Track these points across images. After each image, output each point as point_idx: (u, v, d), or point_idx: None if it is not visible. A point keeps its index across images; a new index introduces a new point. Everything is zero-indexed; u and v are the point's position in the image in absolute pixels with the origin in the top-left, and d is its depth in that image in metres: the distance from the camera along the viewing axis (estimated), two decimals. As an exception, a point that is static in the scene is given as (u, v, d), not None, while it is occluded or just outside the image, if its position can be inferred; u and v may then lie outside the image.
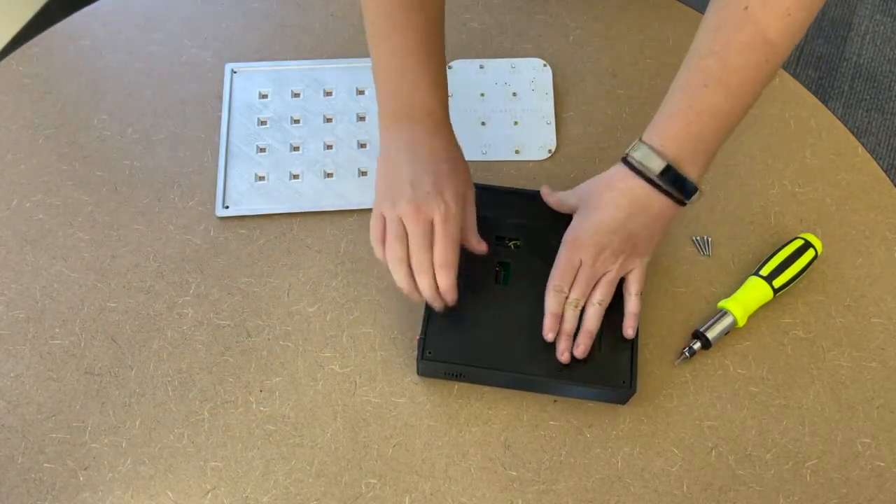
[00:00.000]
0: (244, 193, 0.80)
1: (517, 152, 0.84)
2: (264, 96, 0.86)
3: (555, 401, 0.70)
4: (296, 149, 0.83)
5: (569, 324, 0.67)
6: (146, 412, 0.69)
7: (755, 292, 0.73)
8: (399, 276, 0.64)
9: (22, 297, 0.74)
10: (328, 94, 0.87)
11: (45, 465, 0.67)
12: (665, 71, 0.90)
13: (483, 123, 0.85)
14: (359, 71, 0.88)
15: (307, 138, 0.83)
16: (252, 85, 0.86)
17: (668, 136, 0.63)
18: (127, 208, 0.80)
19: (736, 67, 0.60)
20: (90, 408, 0.69)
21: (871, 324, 0.75)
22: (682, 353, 0.72)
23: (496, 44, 0.91)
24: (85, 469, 0.67)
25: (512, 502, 0.66)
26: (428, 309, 0.70)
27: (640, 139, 0.65)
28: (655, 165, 0.63)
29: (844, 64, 1.92)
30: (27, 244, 0.77)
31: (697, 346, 0.72)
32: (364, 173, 0.81)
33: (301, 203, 0.79)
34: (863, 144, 0.85)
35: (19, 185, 0.81)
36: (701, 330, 0.72)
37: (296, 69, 0.88)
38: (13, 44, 1.83)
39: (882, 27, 1.98)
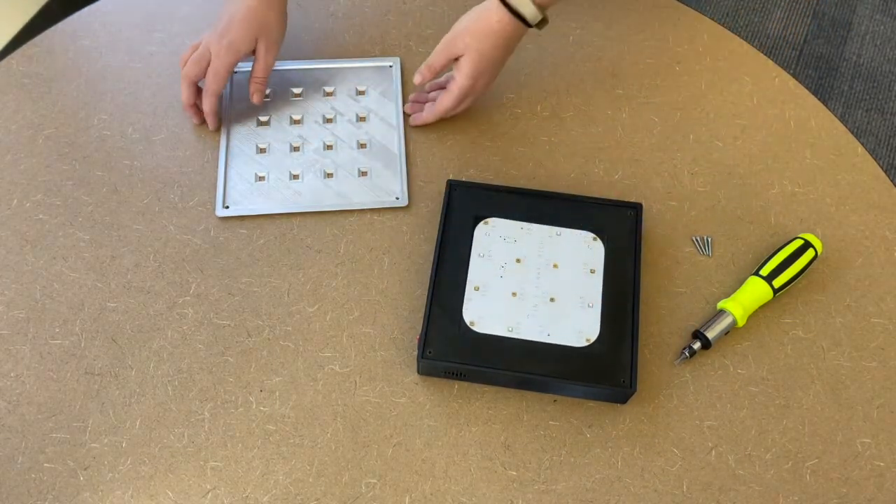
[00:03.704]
0: (244, 193, 0.80)
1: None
2: (266, 96, 0.86)
3: (555, 401, 0.70)
4: (296, 149, 0.83)
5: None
6: (146, 412, 0.69)
7: (755, 292, 0.73)
8: (183, 92, 0.81)
9: (22, 297, 0.74)
10: (329, 94, 0.87)
11: (45, 465, 0.67)
12: (664, 71, 0.90)
13: None
14: (360, 71, 0.88)
15: (307, 138, 0.83)
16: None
17: None
18: (127, 208, 0.80)
19: None
20: (90, 408, 0.69)
21: (871, 324, 0.75)
22: (682, 353, 0.72)
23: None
24: (85, 469, 0.67)
25: (512, 502, 0.66)
26: (428, 309, 0.70)
27: None
28: (533, 15, 0.76)
29: (844, 64, 1.91)
30: (27, 244, 0.77)
31: (697, 346, 0.72)
32: (364, 174, 0.81)
33: (301, 203, 0.79)
34: (863, 144, 0.85)
35: (19, 185, 0.81)
36: (701, 330, 0.72)
37: (296, 69, 0.88)
38: (13, 44, 1.83)
39: (882, 27, 1.98)
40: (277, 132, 0.84)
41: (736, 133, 0.86)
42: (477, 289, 0.72)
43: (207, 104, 0.81)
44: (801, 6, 2.01)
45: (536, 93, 0.88)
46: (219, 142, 0.83)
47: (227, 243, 0.78)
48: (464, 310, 0.70)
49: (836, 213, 0.81)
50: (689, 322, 0.74)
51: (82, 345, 0.72)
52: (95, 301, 0.74)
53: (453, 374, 0.70)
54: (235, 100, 0.86)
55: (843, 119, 1.80)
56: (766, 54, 0.93)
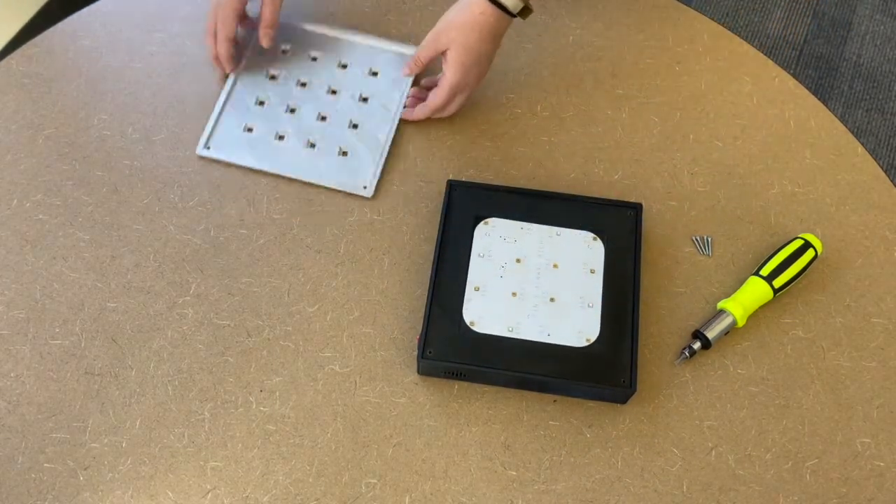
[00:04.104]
0: (228, 140, 0.81)
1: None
2: (284, 51, 0.87)
3: (555, 401, 0.70)
4: (292, 111, 0.83)
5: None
6: (146, 412, 0.69)
7: (755, 292, 0.73)
8: (207, 47, 0.84)
9: (22, 297, 0.74)
10: (343, 66, 0.86)
11: (45, 465, 0.67)
12: (664, 71, 0.90)
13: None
14: (380, 53, 0.88)
15: (306, 104, 0.84)
16: (280, 40, 0.87)
17: None
18: (127, 208, 0.80)
19: None
20: (90, 408, 0.69)
21: (871, 324, 0.75)
22: (682, 353, 0.72)
23: (496, 44, 0.91)
24: (85, 469, 0.67)
25: (512, 502, 0.66)
26: (428, 309, 0.70)
27: None
28: (515, 3, 0.76)
29: (844, 64, 1.91)
30: (27, 244, 0.77)
31: (697, 346, 0.72)
32: (345, 153, 0.81)
33: (276, 164, 0.80)
34: (863, 144, 0.85)
35: (19, 185, 0.81)
36: (701, 330, 0.72)
37: (321, 34, 0.88)
38: (13, 44, 1.83)
39: (882, 27, 1.98)
40: (281, 90, 0.84)
41: (736, 133, 0.86)
42: (477, 289, 0.72)
43: (220, 48, 0.83)
44: (801, 6, 2.01)
45: (536, 93, 0.88)
46: (223, 86, 0.84)
47: (227, 243, 0.78)
48: (464, 310, 0.70)
49: (836, 213, 0.81)
50: (689, 322, 0.74)
51: (82, 345, 0.72)
52: (95, 301, 0.74)
53: (453, 374, 0.70)
54: (255, 48, 0.86)
55: (843, 119, 1.80)
56: (766, 54, 0.93)
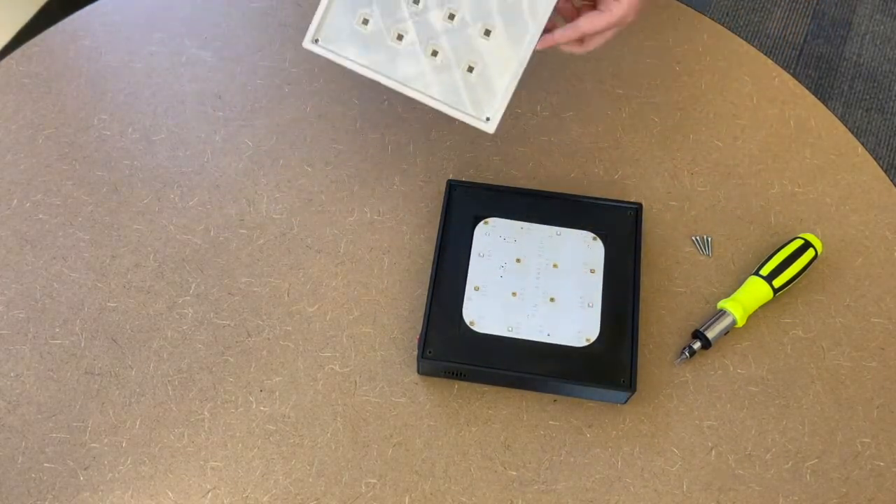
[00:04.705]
0: (340, 33, 0.67)
1: None
2: None
3: (555, 401, 0.70)
4: (416, 1, 0.67)
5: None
6: (146, 412, 0.69)
7: (755, 292, 0.73)
8: None
9: (22, 297, 0.74)
10: None
11: (45, 465, 0.67)
12: (665, 71, 0.90)
13: None
14: None
15: None
16: None
17: None
18: (127, 208, 0.80)
19: None
20: (90, 408, 0.69)
21: (871, 324, 0.75)
22: (682, 352, 0.72)
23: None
24: (85, 469, 0.67)
25: (512, 502, 0.66)
26: (428, 309, 0.70)
27: None
28: None
29: (844, 64, 1.92)
30: (27, 244, 0.77)
31: (697, 345, 0.72)
32: (470, 70, 0.67)
33: (391, 72, 0.67)
34: (863, 144, 0.85)
35: (19, 185, 0.81)
36: (701, 330, 0.72)
37: None
38: (13, 44, 1.83)
39: (882, 27, 1.98)
40: None
41: (736, 133, 0.86)
42: (477, 289, 0.72)
43: None
44: (801, 6, 2.01)
45: (536, 93, 0.88)
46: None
47: (227, 243, 0.78)
48: (464, 310, 0.70)
49: (836, 213, 0.81)
50: (689, 322, 0.74)
51: (82, 345, 0.72)
52: (95, 301, 0.74)
53: (453, 374, 0.70)
54: None
55: (843, 119, 1.80)
56: (766, 54, 0.93)
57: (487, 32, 0.68)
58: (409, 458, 0.68)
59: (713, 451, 0.69)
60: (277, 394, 0.70)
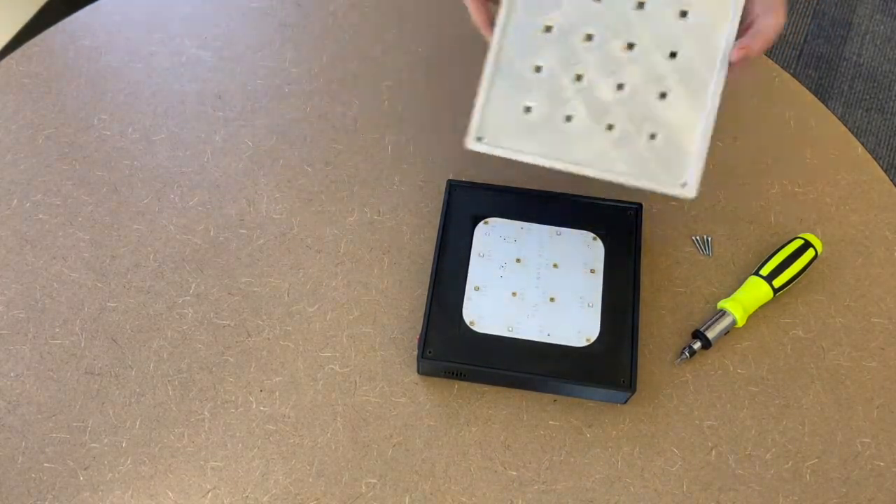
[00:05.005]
0: (504, 126, 0.62)
1: None
2: None
3: (555, 401, 0.70)
4: (578, 77, 0.62)
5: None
6: (146, 412, 0.69)
7: (755, 292, 0.73)
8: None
9: (22, 297, 0.74)
10: (639, 4, 0.62)
11: (45, 465, 0.67)
12: (665, 71, 0.90)
13: None
14: None
15: (596, 66, 0.62)
16: None
17: None
18: (127, 208, 0.80)
19: None
20: (90, 408, 0.69)
21: (871, 324, 0.75)
22: (682, 352, 0.72)
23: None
24: (85, 469, 0.67)
25: (512, 502, 0.66)
26: (428, 309, 0.70)
27: None
28: None
29: (844, 64, 1.92)
30: (27, 244, 0.77)
31: (697, 345, 0.72)
32: (653, 136, 0.61)
33: (568, 158, 0.61)
34: (863, 144, 0.85)
35: (19, 185, 0.81)
36: (701, 330, 0.72)
37: None
38: (13, 44, 1.83)
39: (882, 27, 1.98)
40: (561, 48, 0.62)
41: (736, 133, 0.86)
42: (477, 289, 0.72)
43: (472, 7, 0.64)
44: (801, 6, 2.01)
45: (536, 93, 0.88)
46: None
47: (227, 243, 0.78)
48: (464, 310, 0.70)
49: (836, 213, 0.81)
50: (689, 322, 0.74)
51: (82, 345, 0.72)
52: (95, 301, 0.74)
53: (453, 374, 0.70)
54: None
55: (843, 119, 1.80)
56: (766, 54, 0.93)
57: (663, 95, 0.62)
58: (409, 458, 0.68)
59: (713, 451, 0.69)
60: (277, 394, 0.70)
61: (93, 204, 0.80)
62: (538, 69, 0.63)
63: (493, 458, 0.68)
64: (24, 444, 0.68)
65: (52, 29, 0.92)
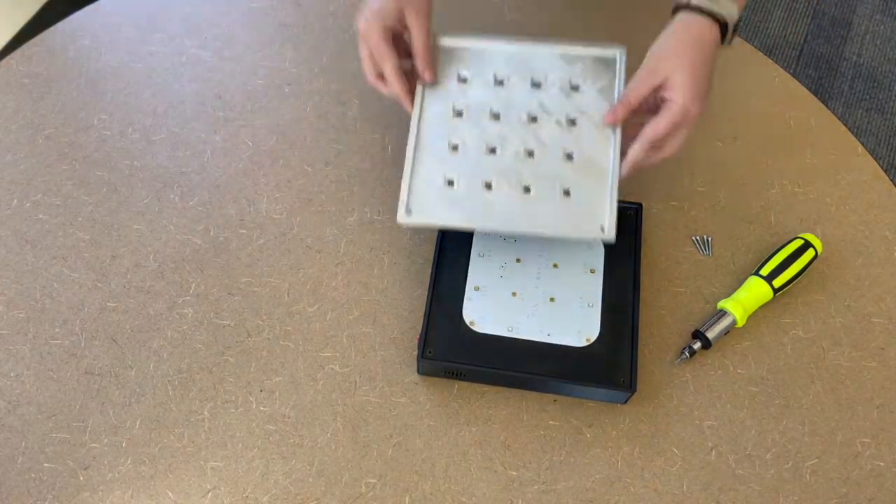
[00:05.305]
0: (430, 198, 0.69)
1: None
2: (464, 80, 0.73)
3: (555, 401, 0.70)
4: (492, 151, 0.70)
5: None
6: (146, 412, 0.69)
7: (755, 292, 0.73)
8: (382, 91, 0.72)
9: (22, 297, 0.74)
10: (536, 85, 0.72)
11: (45, 465, 0.67)
12: (665, 71, 0.90)
13: None
14: (574, 61, 0.72)
15: (506, 139, 0.70)
16: (452, 63, 0.73)
17: None
18: (127, 208, 0.80)
19: None
20: (90, 408, 0.69)
21: (871, 324, 0.75)
22: (682, 353, 0.72)
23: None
24: (85, 469, 0.67)
25: (512, 502, 0.66)
26: (428, 308, 0.70)
27: None
28: (734, 15, 0.68)
29: (844, 64, 1.92)
30: (27, 244, 0.77)
31: (697, 345, 0.72)
32: (567, 193, 0.68)
33: (493, 220, 0.68)
34: (863, 144, 0.85)
35: (19, 185, 0.81)
36: (701, 330, 0.72)
37: (501, 49, 0.73)
38: (13, 44, 1.83)
39: (882, 27, 1.98)
40: (474, 127, 0.71)
41: (736, 133, 0.86)
42: (477, 289, 0.72)
43: (392, 85, 0.70)
44: (801, 6, 2.01)
45: (536, 93, 0.88)
46: (405, 132, 0.72)
47: (227, 243, 0.78)
48: (464, 310, 0.70)
49: (836, 213, 0.81)
50: (689, 322, 0.74)
51: (82, 345, 0.72)
52: (95, 301, 0.74)
53: (453, 374, 0.70)
54: (426, 86, 0.73)
55: (843, 119, 1.80)
56: (766, 54, 0.93)
57: (569, 156, 0.70)
58: (409, 458, 0.68)
59: (713, 451, 0.69)
60: (277, 394, 0.70)
61: (93, 204, 0.80)
62: (455, 147, 0.71)
63: (493, 458, 0.68)
64: (24, 444, 0.68)
65: (52, 29, 0.92)
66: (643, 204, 0.79)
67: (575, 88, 0.72)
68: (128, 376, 0.71)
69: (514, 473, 0.67)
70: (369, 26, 0.68)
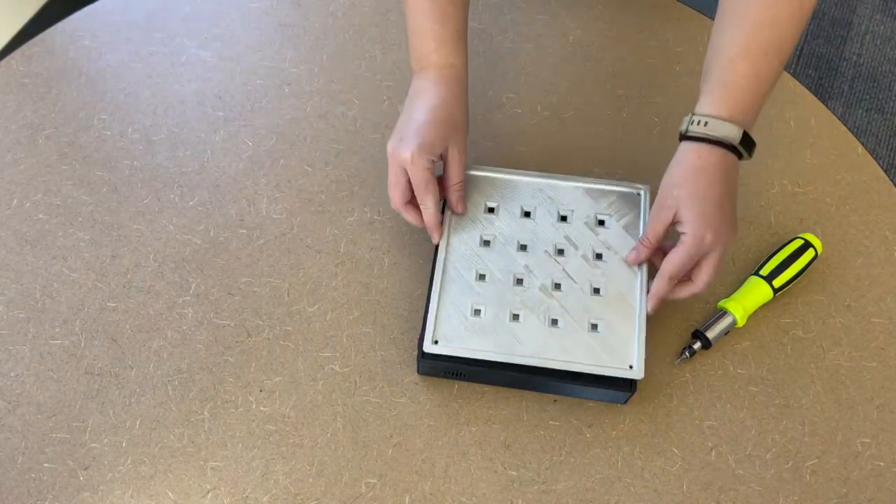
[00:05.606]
0: (456, 328, 0.68)
1: None
2: (491, 210, 0.74)
3: (555, 401, 0.70)
4: (519, 282, 0.70)
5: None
6: (146, 412, 0.69)
7: (755, 292, 0.73)
8: (409, 219, 0.72)
9: (22, 297, 0.74)
10: (563, 218, 0.74)
11: (45, 465, 0.67)
12: (664, 71, 0.90)
13: None
14: (601, 195, 0.74)
15: (533, 271, 0.71)
16: (480, 193, 0.75)
17: (736, 104, 0.66)
18: (127, 208, 0.80)
19: (789, 36, 0.66)
20: (90, 408, 0.69)
21: (871, 324, 0.75)
22: (682, 353, 0.72)
23: (496, 44, 0.91)
24: (85, 469, 0.67)
25: (512, 502, 0.66)
26: (429, 307, 0.70)
27: (705, 114, 0.66)
28: (734, 134, 0.65)
29: (844, 64, 1.92)
30: (27, 244, 0.77)
31: (697, 346, 0.72)
32: (594, 327, 0.68)
33: (519, 352, 0.67)
34: (863, 144, 0.85)
35: (19, 185, 0.81)
36: (701, 330, 0.72)
37: (528, 181, 0.75)
38: (13, 44, 1.83)
39: (882, 27, 1.98)
40: (501, 258, 0.71)
41: (736, 133, 0.86)
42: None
43: (430, 218, 0.70)
44: (801, 6, 2.01)
45: (536, 93, 0.88)
46: (433, 264, 0.72)
47: (227, 243, 0.78)
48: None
49: (836, 213, 0.81)
50: (689, 322, 0.74)
51: (82, 345, 0.72)
52: (95, 301, 0.74)
53: (453, 373, 0.70)
54: (453, 215, 0.74)
55: (843, 119, 1.80)
56: (766, 54, 0.93)
57: (596, 290, 0.70)
58: (409, 458, 0.68)
59: (713, 451, 0.69)
60: (277, 394, 0.70)
61: (93, 204, 0.80)
62: (482, 276, 0.71)
63: (493, 458, 0.68)
64: (24, 444, 0.68)
65: (52, 29, 0.92)
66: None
67: (601, 223, 0.73)
68: (128, 376, 0.71)
69: (514, 473, 0.67)
70: (417, 159, 0.67)
